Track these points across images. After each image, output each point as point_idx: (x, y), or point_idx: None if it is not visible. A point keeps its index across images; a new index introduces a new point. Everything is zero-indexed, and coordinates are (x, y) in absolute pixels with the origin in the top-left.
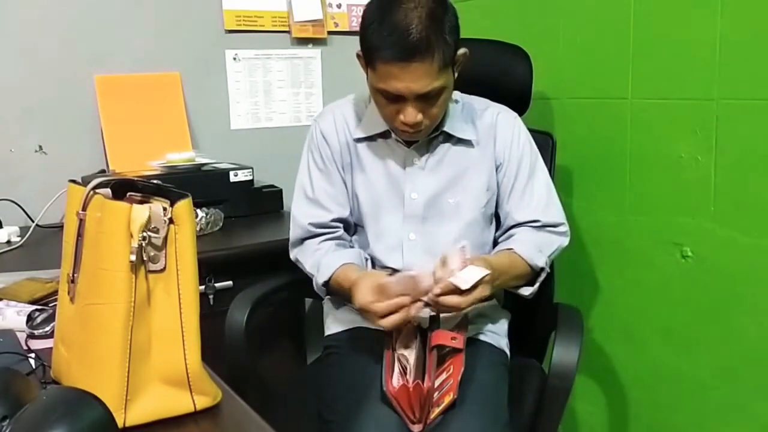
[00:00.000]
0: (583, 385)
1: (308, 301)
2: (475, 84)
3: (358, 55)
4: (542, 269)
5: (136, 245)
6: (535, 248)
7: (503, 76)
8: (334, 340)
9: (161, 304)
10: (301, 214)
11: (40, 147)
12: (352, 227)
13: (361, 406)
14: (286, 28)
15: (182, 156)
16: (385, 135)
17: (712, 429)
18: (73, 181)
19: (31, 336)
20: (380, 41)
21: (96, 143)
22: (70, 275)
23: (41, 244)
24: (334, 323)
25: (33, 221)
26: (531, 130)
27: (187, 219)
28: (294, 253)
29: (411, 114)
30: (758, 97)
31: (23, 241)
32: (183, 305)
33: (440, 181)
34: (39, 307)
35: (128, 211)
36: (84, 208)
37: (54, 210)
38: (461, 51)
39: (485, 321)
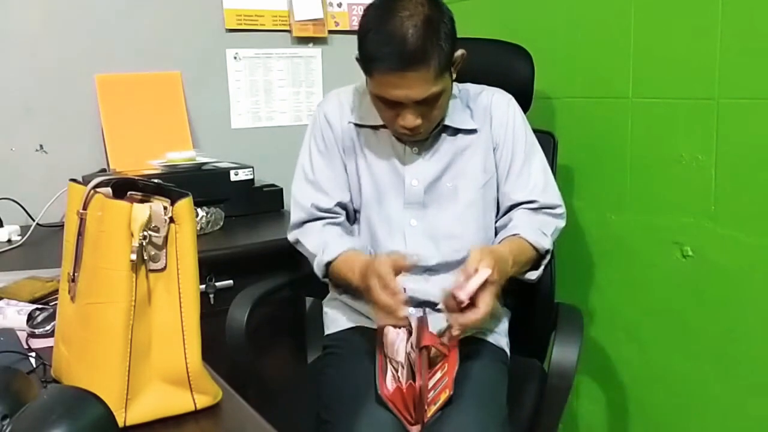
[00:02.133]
0: (583, 384)
1: (309, 300)
2: (476, 83)
3: (357, 59)
4: (547, 251)
5: (137, 244)
6: (538, 231)
7: (505, 76)
8: (334, 340)
9: (162, 303)
10: (303, 196)
11: (41, 146)
12: (352, 214)
13: (359, 407)
14: (287, 27)
15: (183, 155)
16: (386, 125)
17: (712, 428)
18: (74, 180)
19: (31, 335)
20: (376, 51)
21: (96, 142)
22: (71, 274)
23: (42, 243)
24: (334, 323)
25: (34, 220)
26: (532, 130)
27: (187, 218)
28: (294, 234)
29: (410, 119)
30: (759, 96)
31: (24, 240)
32: (183, 304)
33: (438, 166)
34: (39, 306)
35: (129, 210)
36: (85, 207)
37: (55, 209)
38: (459, 53)
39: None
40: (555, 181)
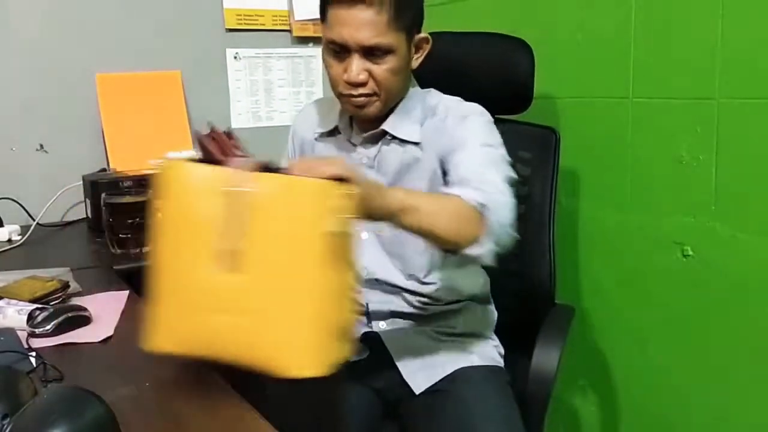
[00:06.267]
0: (583, 384)
1: None
2: (475, 78)
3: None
4: (483, 206)
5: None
6: (475, 191)
7: (504, 69)
8: None
9: (341, 266)
10: None
11: (41, 146)
12: None
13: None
14: (287, 27)
15: (183, 154)
16: (335, 132)
17: (712, 428)
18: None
19: (31, 335)
20: None
21: (97, 142)
22: (231, 247)
23: (42, 243)
24: None
25: (34, 220)
26: (533, 126)
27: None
28: None
29: (354, 69)
30: (759, 96)
31: (24, 239)
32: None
33: (382, 180)
34: (40, 305)
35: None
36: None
37: (55, 208)
38: (422, 35)
39: (472, 339)
40: (502, 175)
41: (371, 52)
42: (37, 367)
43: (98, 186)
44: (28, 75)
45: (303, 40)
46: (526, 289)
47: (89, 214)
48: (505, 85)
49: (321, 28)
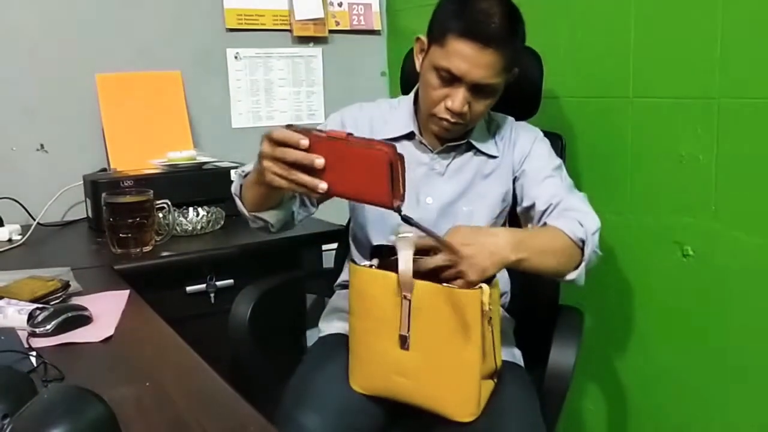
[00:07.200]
0: (583, 384)
1: (309, 297)
2: None
3: (417, 38)
4: (583, 241)
5: (487, 309)
6: (573, 221)
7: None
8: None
9: (488, 336)
10: None
11: (42, 145)
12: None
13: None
14: (287, 27)
15: (183, 154)
16: (410, 136)
17: (713, 429)
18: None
19: (32, 334)
20: (463, 19)
21: (97, 142)
22: (403, 334)
23: (42, 243)
24: (340, 321)
25: (34, 219)
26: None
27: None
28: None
29: (460, 101)
30: (759, 95)
31: (24, 239)
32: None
33: (456, 188)
34: (40, 305)
35: (472, 299)
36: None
37: (55, 208)
38: (516, 69)
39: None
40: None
41: (479, 89)
42: (37, 366)
43: (98, 186)
44: (29, 75)
45: (303, 40)
46: (530, 292)
47: (89, 214)
48: (513, 92)
49: (428, 47)
